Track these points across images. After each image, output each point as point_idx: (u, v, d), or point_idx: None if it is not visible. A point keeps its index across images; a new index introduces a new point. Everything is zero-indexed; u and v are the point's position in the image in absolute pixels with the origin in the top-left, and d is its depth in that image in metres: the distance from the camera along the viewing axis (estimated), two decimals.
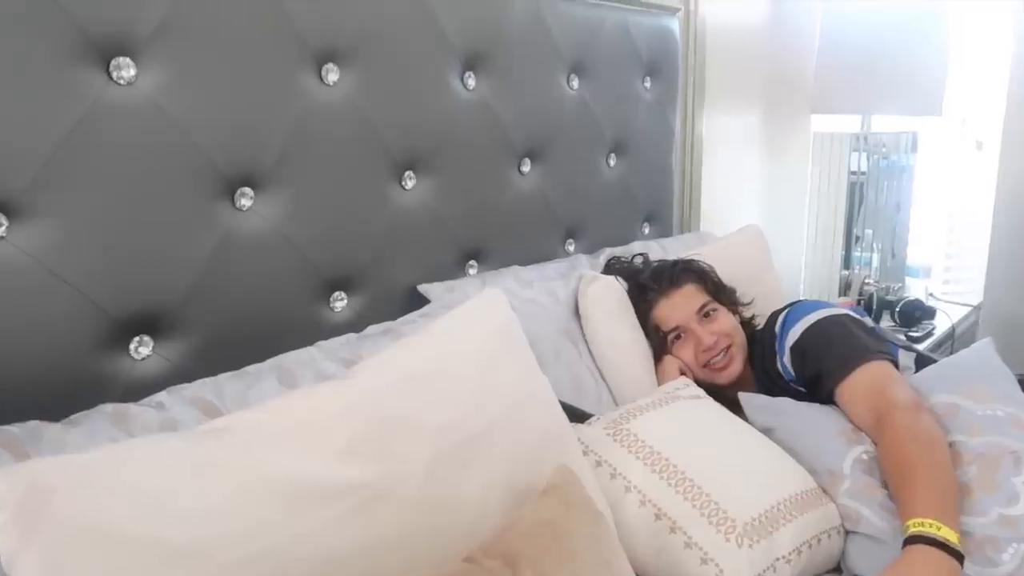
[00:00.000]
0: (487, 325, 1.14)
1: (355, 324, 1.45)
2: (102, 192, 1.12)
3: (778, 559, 1.11)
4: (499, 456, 1.01)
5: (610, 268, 1.81)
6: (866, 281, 2.81)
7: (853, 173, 2.83)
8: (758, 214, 2.85)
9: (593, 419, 1.32)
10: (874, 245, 2.87)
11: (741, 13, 2.63)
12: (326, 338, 1.34)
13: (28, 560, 0.67)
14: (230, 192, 1.27)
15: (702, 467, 1.19)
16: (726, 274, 1.74)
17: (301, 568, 0.81)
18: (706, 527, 1.11)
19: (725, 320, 1.62)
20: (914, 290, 2.99)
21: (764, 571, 1.10)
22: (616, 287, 1.66)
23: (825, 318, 1.50)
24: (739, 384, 1.58)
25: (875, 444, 1.30)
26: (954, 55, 2.69)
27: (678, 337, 1.62)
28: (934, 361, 1.51)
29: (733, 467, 1.23)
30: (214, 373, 1.17)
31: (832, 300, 2.79)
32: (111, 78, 1.12)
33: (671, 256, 1.85)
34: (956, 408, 1.30)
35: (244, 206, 1.29)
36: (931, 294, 2.99)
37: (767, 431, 1.37)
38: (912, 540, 1.07)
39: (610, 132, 2.07)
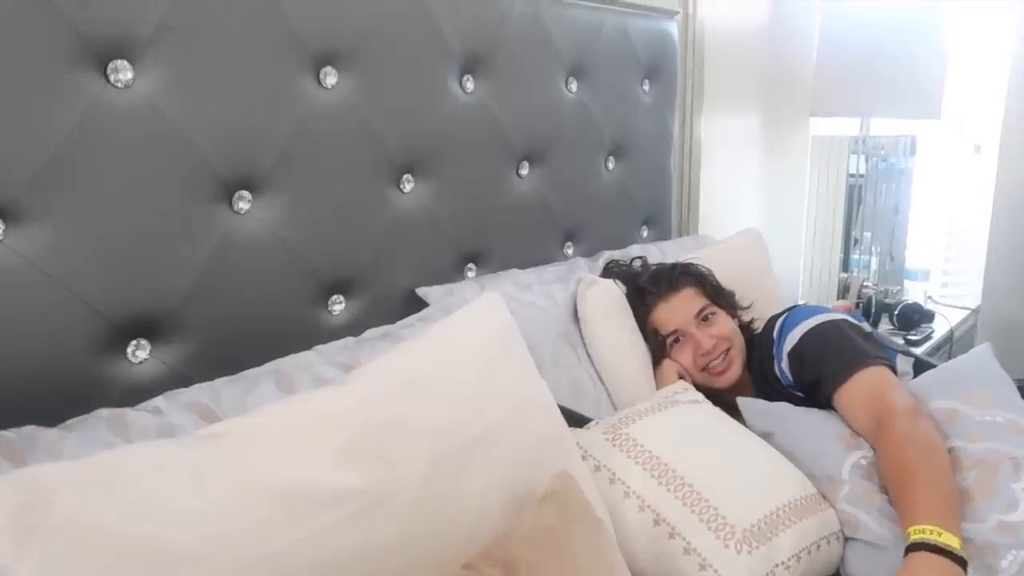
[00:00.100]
0: (486, 329, 1.13)
1: (353, 327, 1.44)
2: (99, 195, 1.11)
3: (777, 565, 1.11)
4: (498, 461, 1.01)
5: (608, 271, 1.81)
6: (865, 284, 2.81)
7: (852, 176, 2.83)
8: (757, 217, 2.85)
9: (592, 423, 1.31)
10: (873, 248, 2.87)
11: (740, 16, 2.63)
12: (324, 341, 1.33)
13: (26, 567, 0.67)
14: (228, 195, 1.27)
15: (701, 472, 1.18)
16: (725, 278, 1.74)
17: (300, 574, 0.80)
18: (705, 533, 1.11)
19: (724, 324, 1.62)
20: (913, 293, 2.99)
21: None
22: (615, 291, 1.66)
23: (823, 323, 1.50)
24: (737, 388, 1.58)
25: (874, 449, 1.29)
26: (952, 58, 2.69)
27: (677, 341, 1.61)
28: (932, 366, 1.51)
29: (732, 472, 1.23)
30: (212, 377, 1.17)
31: (830, 303, 2.80)
32: (108, 81, 1.11)
33: (670, 259, 1.85)
34: (955, 413, 1.30)
35: (242, 209, 1.28)
36: (929, 297, 2.99)
37: (765, 436, 1.36)
38: (914, 547, 1.06)
39: (609, 135, 2.07)
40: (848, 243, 2.90)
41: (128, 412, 1.02)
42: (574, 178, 1.98)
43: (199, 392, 1.09)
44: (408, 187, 1.55)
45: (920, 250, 3.21)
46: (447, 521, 0.93)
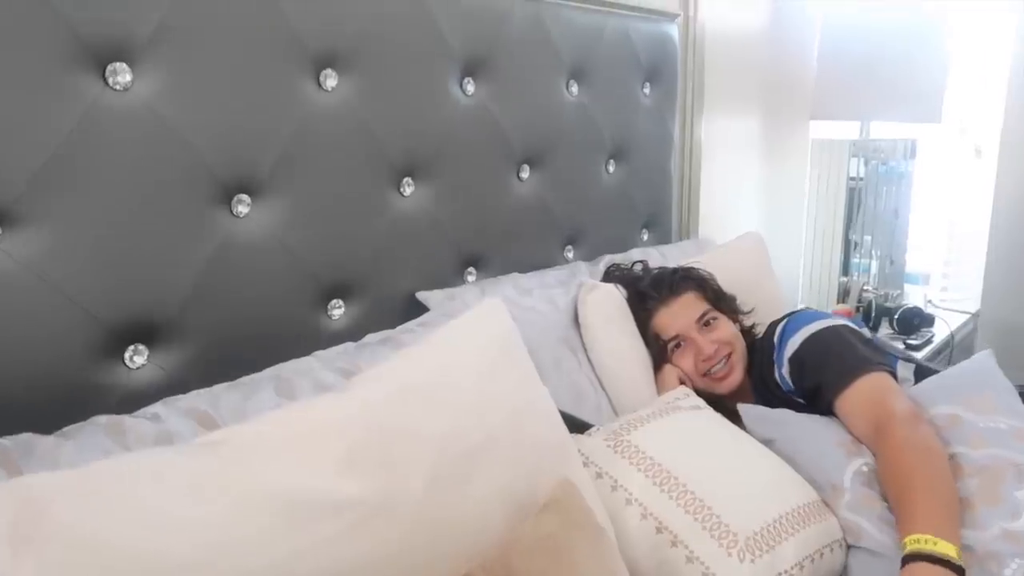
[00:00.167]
0: (487, 335, 1.12)
1: (353, 332, 1.44)
2: (97, 199, 1.10)
3: (780, 574, 1.10)
4: (500, 468, 1.00)
5: (609, 275, 1.80)
6: (865, 288, 2.80)
7: (852, 179, 2.83)
8: (756, 220, 2.84)
9: (593, 429, 1.30)
10: (873, 252, 2.87)
11: (740, 19, 2.63)
12: (324, 346, 1.32)
13: None
14: (227, 199, 1.26)
15: (704, 479, 1.18)
16: (726, 282, 1.73)
17: None
18: (708, 541, 1.10)
19: (725, 329, 1.61)
20: (913, 297, 2.98)
21: None
22: (616, 295, 1.65)
23: (824, 329, 1.49)
24: (738, 394, 1.57)
25: (874, 456, 1.29)
26: (953, 62, 2.69)
27: (678, 346, 1.61)
28: (934, 372, 1.50)
29: (735, 479, 1.22)
30: (210, 382, 1.16)
31: (830, 307, 2.79)
32: (107, 83, 1.10)
33: (671, 263, 1.84)
34: (957, 420, 1.29)
35: (241, 213, 1.28)
36: (930, 301, 2.98)
37: (767, 442, 1.35)
38: (910, 557, 1.05)
39: (609, 138, 2.06)
40: (848, 246, 2.89)
41: (126, 419, 1.01)
42: (575, 181, 1.97)
43: (198, 398, 1.08)
44: (408, 190, 1.55)
45: (920, 254, 3.20)
46: (448, 529, 0.93)
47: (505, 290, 1.62)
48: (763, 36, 2.74)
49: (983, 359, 1.42)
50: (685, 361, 1.59)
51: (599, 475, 1.19)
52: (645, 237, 2.28)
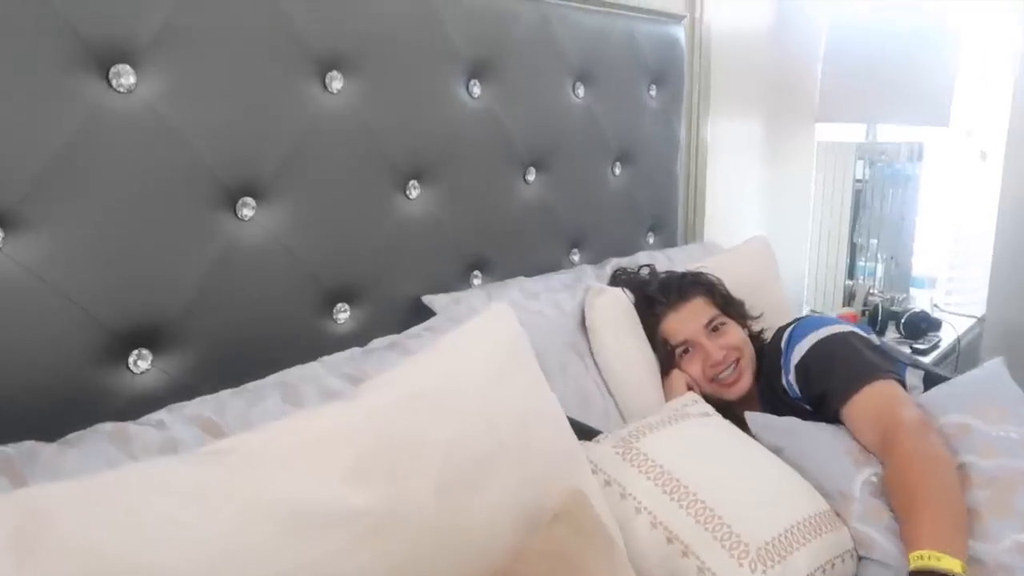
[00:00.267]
0: (495, 340, 1.11)
1: (358, 336, 1.42)
2: (100, 201, 1.09)
3: None
4: (509, 476, 0.98)
5: (616, 279, 1.78)
6: (870, 292, 2.79)
7: (858, 181, 2.81)
8: (761, 223, 2.83)
9: (601, 436, 1.29)
10: (879, 255, 2.85)
11: (746, 20, 2.62)
12: (329, 350, 1.31)
13: None
14: (231, 202, 1.25)
15: (714, 488, 1.16)
16: (732, 286, 1.72)
17: None
18: (719, 551, 1.08)
19: (734, 334, 1.60)
20: (919, 301, 2.97)
21: None
22: (623, 299, 1.64)
23: (830, 335, 1.47)
24: (745, 400, 1.56)
25: (882, 465, 1.27)
26: (961, 65, 2.67)
27: (686, 351, 1.59)
28: (943, 379, 1.48)
29: (745, 488, 1.20)
30: (215, 387, 1.14)
31: (835, 311, 2.77)
32: (110, 85, 1.09)
33: (677, 267, 1.82)
34: (967, 428, 1.27)
35: (246, 216, 1.26)
36: (936, 305, 2.97)
37: (775, 451, 1.34)
38: (916, 574, 1.04)
39: (615, 141, 2.05)
40: (854, 249, 2.87)
41: (130, 426, 0.99)
42: (580, 184, 1.96)
43: (203, 405, 1.07)
44: (414, 193, 1.53)
45: (926, 257, 3.19)
46: (457, 539, 0.91)
47: (511, 294, 1.61)
48: (769, 38, 2.72)
49: (994, 367, 1.40)
50: (693, 367, 1.58)
51: (608, 483, 1.18)
52: (651, 240, 2.27)
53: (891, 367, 1.42)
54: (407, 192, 1.52)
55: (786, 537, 1.12)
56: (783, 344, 1.53)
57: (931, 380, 1.50)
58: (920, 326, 2.60)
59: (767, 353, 1.58)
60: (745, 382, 1.56)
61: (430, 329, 1.40)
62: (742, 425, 1.40)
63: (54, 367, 1.06)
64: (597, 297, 1.61)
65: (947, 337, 2.65)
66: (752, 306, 1.73)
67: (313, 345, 1.34)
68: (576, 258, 2.00)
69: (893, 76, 2.54)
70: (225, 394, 1.11)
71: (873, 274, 2.87)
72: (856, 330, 1.52)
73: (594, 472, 1.17)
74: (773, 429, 1.39)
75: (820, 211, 2.94)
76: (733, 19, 2.53)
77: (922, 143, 2.89)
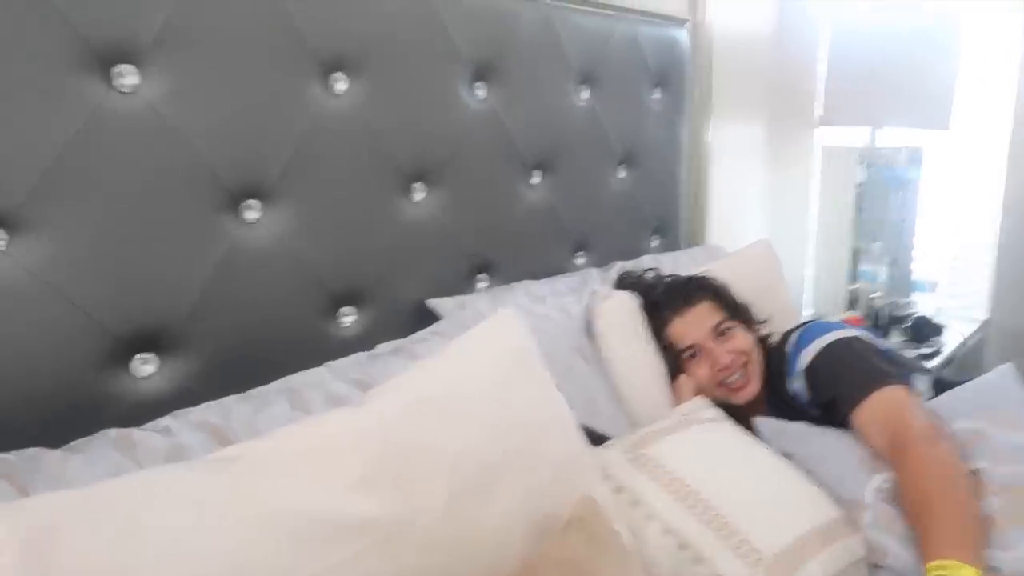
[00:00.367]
0: (503, 346, 1.09)
1: (363, 339, 1.41)
2: (103, 204, 1.08)
3: None
4: (519, 483, 0.97)
5: (622, 283, 1.77)
6: (873, 295, 2.77)
7: (860, 185, 2.80)
8: (763, 226, 2.82)
9: (610, 442, 1.27)
10: (882, 259, 2.84)
11: (748, 24, 2.61)
12: (334, 355, 1.30)
13: None
14: (235, 204, 1.23)
15: (726, 495, 1.14)
16: (737, 290, 1.70)
17: None
18: (732, 559, 1.07)
19: (741, 338, 1.58)
20: (922, 305, 2.95)
21: None
22: (629, 303, 1.62)
23: (838, 340, 1.46)
24: (752, 405, 1.54)
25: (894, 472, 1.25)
26: (963, 68, 2.67)
27: (693, 356, 1.58)
28: (951, 384, 1.47)
29: (758, 495, 1.19)
30: (219, 391, 1.13)
31: (838, 315, 2.76)
32: (112, 86, 1.08)
33: (681, 271, 1.81)
34: (979, 435, 1.25)
35: (249, 218, 1.25)
36: (939, 309, 2.95)
37: (785, 457, 1.32)
38: None
39: (619, 143, 2.04)
40: (856, 253, 2.86)
41: (135, 432, 0.98)
42: (584, 187, 1.95)
43: (209, 411, 1.05)
44: (418, 196, 1.52)
45: (928, 261, 3.18)
46: (467, 548, 0.90)
47: (517, 298, 1.59)
48: (771, 41, 2.71)
49: (1005, 372, 1.38)
50: (701, 371, 1.56)
51: (618, 489, 1.16)
52: (654, 243, 2.26)
53: (899, 372, 1.41)
54: (411, 194, 1.51)
55: (800, 544, 1.10)
56: (790, 348, 1.52)
57: (938, 385, 1.49)
58: (924, 330, 2.58)
59: (773, 357, 1.57)
60: (753, 387, 1.55)
61: (437, 334, 1.38)
62: (750, 430, 1.38)
63: (57, 372, 1.05)
64: (603, 301, 1.60)
65: (950, 341, 2.64)
66: (757, 310, 1.72)
67: (318, 349, 1.32)
68: (580, 261, 1.99)
69: (895, 79, 2.53)
70: (231, 399, 1.10)
71: (876, 278, 2.85)
72: (863, 335, 1.51)
73: (604, 478, 1.16)
74: (782, 434, 1.37)
75: (822, 214, 2.93)
76: (735, 22, 2.52)
77: (921, 147, 2.88)
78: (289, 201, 1.30)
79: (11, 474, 0.85)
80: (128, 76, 1.09)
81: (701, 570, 1.07)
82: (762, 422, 1.40)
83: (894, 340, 2.60)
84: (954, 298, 3.19)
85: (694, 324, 1.58)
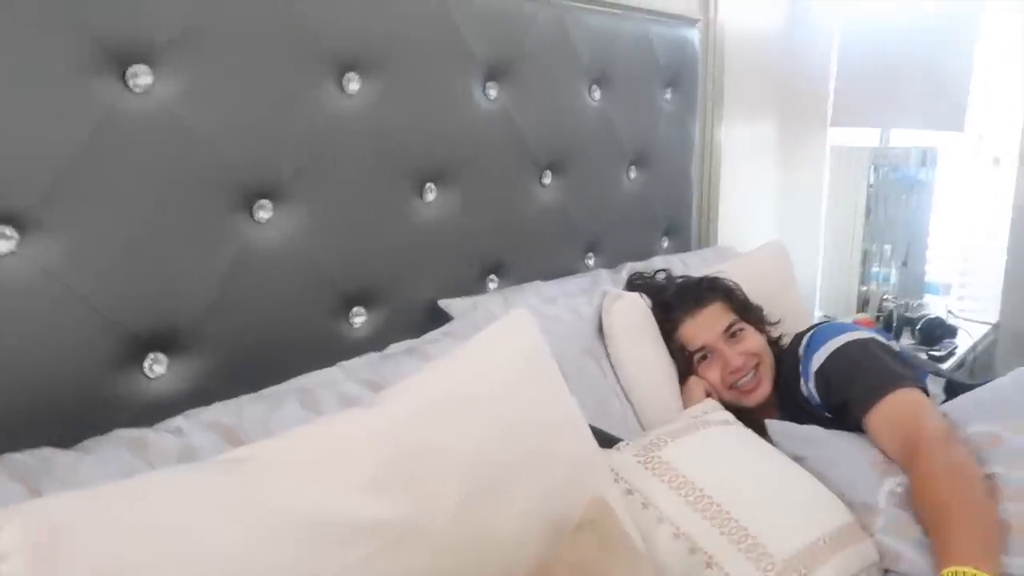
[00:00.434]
0: (515, 347, 1.09)
1: (374, 340, 1.41)
2: (116, 203, 1.07)
3: None
4: (531, 485, 0.97)
5: (633, 284, 1.76)
6: (884, 297, 2.76)
7: (871, 186, 2.78)
8: (773, 227, 2.81)
9: (622, 444, 1.27)
10: (892, 261, 2.82)
11: (760, 23, 2.60)
12: (345, 355, 1.30)
13: None
14: (248, 204, 1.23)
15: (738, 498, 1.14)
16: (748, 291, 1.70)
17: None
18: (743, 563, 1.06)
19: (753, 340, 1.58)
20: (933, 307, 2.94)
21: None
22: (640, 305, 1.62)
23: (850, 342, 1.45)
24: (763, 407, 1.54)
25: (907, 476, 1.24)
26: (976, 69, 2.65)
27: (704, 357, 1.57)
28: (964, 386, 1.46)
29: (770, 499, 1.18)
30: (230, 391, 1.13)
31: (849, 317, 2.75)
32: (127, 86, 1.07)
33: (692, 272, 1.81)
34: (995, 439, 1.24)
35: (262, 218, 1.25)
36: (950, 311, 2.94)
37: (796, 460, 1.31)
38: None
39: (630, 144, 2.03)
40: (867, 255, 2.84)
41: (148, 433, 0.97)
42: (596, 188, 1.94)
43: (221, 411, 1.05)
44: (431, 196, 1.52)
45: (939, 263, 3.16)
46: (480, 551, 0.90)
47: (528, 299, 1.59)
48: (782, 41, 2.71)
49: (1021, 375, 1.37)
50: (712, 373, 1.56)
51: (629, 492, 1.16)
52: (665, 244, 2.25)
53: (913, 374, 1.40)
54: (423, 194, 1.51)
55: (812, 550, 1.09)
56: (801, 350, 1.51)
57: (952, 388, 1.48)
58: (936, 332, 2.57)
59: (785, 359, 1.56)
60: (764, 389, 1.54)
61: (448, 334, 1.38)
62: (761, 432, 1.38)
63: (69, 371, 1.04)
64: (614, 302, 1.59)
65: (963, 344, 2.62)
66: (769, 312, 1.71)
67: (330, 349, 1.32)
68: (591, 262, 1.98)
69: (908, 80, 2.51)
70: (243, 400, 1.10)
71: (887, 280, 2.84)
72: (876, 336, 1.50)
73: (616, 481, 1.15)
74: (794, 437, 1.37)
75: (833, 216, 2.91)
76: (747, 22, 2.51)
77: (934, 148, 2.86)
78: (301, 201, 1.30)
79: (24, 474, 0.85)
80: (142, 76, 1.08)
81: (712, 574, 1.07)
82: (773, 425, 1.40)
83: (905, 343, 2.59)
84: (965, 300, 3.18)
85: (705, 326, 1.57)
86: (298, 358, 1.25)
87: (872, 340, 1.47)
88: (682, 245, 2.32)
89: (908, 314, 2.71)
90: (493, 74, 1.62)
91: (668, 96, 2.15)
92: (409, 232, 1.48)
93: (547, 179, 1.79)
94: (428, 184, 1.51)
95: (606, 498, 1.01)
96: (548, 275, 1.79)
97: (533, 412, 1.03)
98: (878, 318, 2.70)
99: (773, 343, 1.65)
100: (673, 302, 1.61)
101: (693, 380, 1.57)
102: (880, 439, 1.31)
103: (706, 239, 2.48)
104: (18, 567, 0.63)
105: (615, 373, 1.57)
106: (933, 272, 3.10)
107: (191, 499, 0.75)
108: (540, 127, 1.74)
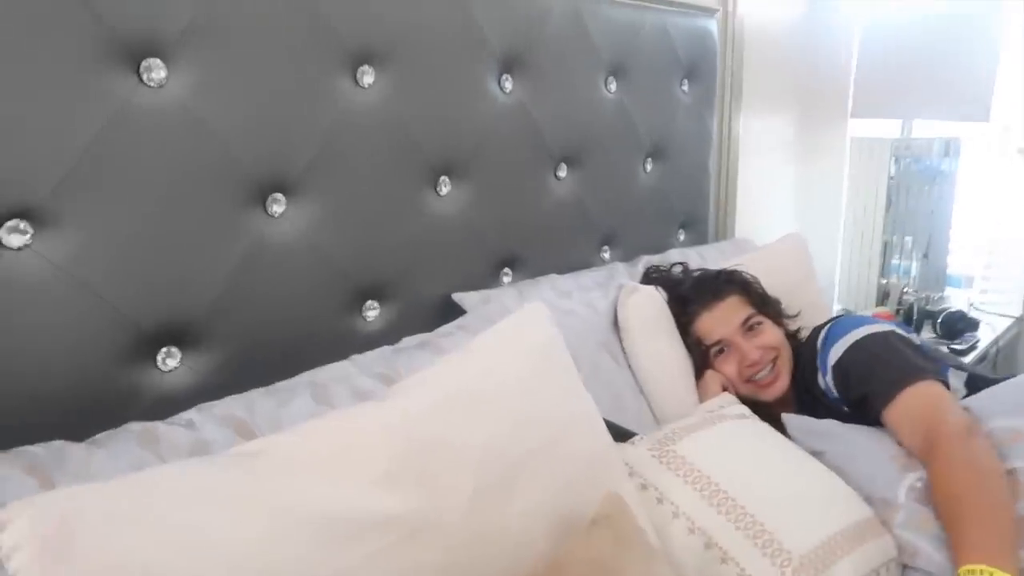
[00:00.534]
0: (530, 341, 1.08)
1: (388, 333, 1.40)
2: (129, 198, 1.07)
3: None
4: (545, 480, 0.96)
5: (648, 278, 1.75)
6: (905, 290, 2.73)
7: (892, 178, 2.75)
8: (792, 220, 2.78)
9: (636, 438, 1.26)
10: (913, 253, 2.79)
11: (779, 13, 2.57)
12: (358, 349, 1.29)
13: None
14: (261, 198, 1.23)
15: (754, 493, 1.13)
16: (767, 285, 1.68)
17: None
18: (760, 559, 1.05)
19: (771, 333, 1.56)
20: (955, 300, 2.90)
21: None
22: (656, 298, 1.60)
23: (869, 335, 1.43)
24: (780, 401, 1.52)
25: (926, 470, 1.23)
26: (1002, 57, 2.60)
27: (721, 351, 1.56)
28: (986, 380, 1.43)
29: (786, 494, 1.17)
30: (243, 385, 1.13)
31: (869, 310, 2.72)
32: (141, 80, 1.07)
33: (709, 265, 1.79)
34: (1017, 434, 1.22)
35: (275, 212, 1.25)
36: (972, 304, 2.90)
37: (814, 455, 1.30)
38: None
39: (647, 136, 2.01)
40: (887, 247, 2.81)
41: (160, 426, 0.97)
42: (612, 181, 1.93)
43: (233, 405, 1.05)
44: (445, 190, 1.51)
45: (962, 255, 3.11)
46: (493, 545, 0.89)
47: (543, 292, 1.58)
48: (801, 31, 2.67)
49: None
50: (728, 367, 1.54)
51: (644, 486, 1.15)
52: (681, 237, 2.24)
53: (934, 367, 1.38)
54: (438, 188, 1.50)
55: (830, 545, 1.08)
56: (819, 344, 1.49)
57: (973, 382, 1.45)
58: (957, 326, 2.54)
59: (803, 353, 1.55)
60: (782, 383, 1.53)
61: (462, 328, 1.37)
62: (777, 427, 1.36)
63: (82, 365, 1.05)
64: (630, 296, 1.58)
65: (985, 337, 2.59)
66: (788, 305, 1.69)
67: (342, 342, 1.32)
68: (607, 255, 1.97)
69: (930, 69, 2.48)
70: (255, 393, 1.09)
71: (908, 273, 2.80)
72: (896, 329, 1.48)
73: (630, 475, 1.14)
74: (812, 432, 1.35)
75: (853, 208, 2.88)
76: (766, 12, 2.48)
77: (959, 139, 2.81)
78: (315, 195, 1.30)
79: (37, 467, 0.85)
80: (156, 70, 1.08)
81: (727, 570, 1.06)
82: (791, 419, 1.38)
83: (926, 336, 2.56)
84: (988, 293, 3.14)
85: (722, 319, 1.56)
86: (311, 352, 1.25)
87: (892, 333, 1.45)
88: (699, 238, 2.30)
89: (929, 307, 2.67)
90: (509, 66, 1.61)
91: (686, 88, 2.13)
92: (423, 225, 1.48)
93: (562, 172, 1.78)
94: (442, 177, 1.50)
95: (621, 493, 1.01)
96: (563, 269, 1.78)
97: (547, 407, 1.03)
98: (898, 311, 2.66)
99: (791, 336, 1.63)
100: (690, 295, 1.60)
101: (709, 374, 1.56)
102: (900, 433, 1.29)
103: (723, 232, 2.46)
104: (28, 560, 0.63)
105: (630, 367, 1.55)
106: (956, 265, 3.06)
107: (202, 493, 0.75)
108: (556, 120, 1.72)
